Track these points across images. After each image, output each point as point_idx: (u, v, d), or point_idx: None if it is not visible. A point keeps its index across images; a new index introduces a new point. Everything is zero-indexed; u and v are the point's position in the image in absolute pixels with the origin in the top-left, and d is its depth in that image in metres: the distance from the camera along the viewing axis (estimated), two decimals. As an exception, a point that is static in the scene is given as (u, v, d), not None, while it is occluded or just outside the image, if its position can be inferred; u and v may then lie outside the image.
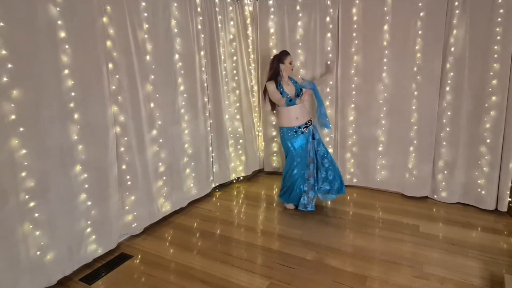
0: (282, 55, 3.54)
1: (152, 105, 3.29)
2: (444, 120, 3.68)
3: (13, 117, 2.24)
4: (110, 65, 2.86)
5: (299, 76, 3.91)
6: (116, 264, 2.88)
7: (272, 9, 4.36)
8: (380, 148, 4.11)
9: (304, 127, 3.54)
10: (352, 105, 4.15)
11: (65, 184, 2.59)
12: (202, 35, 3.81)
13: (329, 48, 4.14)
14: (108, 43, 2.83)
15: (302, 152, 3.57)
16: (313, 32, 4.18)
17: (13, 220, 2.28)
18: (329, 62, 4.11)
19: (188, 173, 3.84)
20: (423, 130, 3.79)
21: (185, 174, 3.78)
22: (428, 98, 3.69)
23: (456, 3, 3.41)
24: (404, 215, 3.59)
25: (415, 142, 3.87)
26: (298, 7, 4.20)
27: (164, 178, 3.50)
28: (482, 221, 3.45)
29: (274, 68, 3.53)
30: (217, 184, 4.33)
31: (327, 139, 4.37)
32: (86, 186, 2.73)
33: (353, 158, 4.28)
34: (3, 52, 2.16)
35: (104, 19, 2.77)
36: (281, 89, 3.49)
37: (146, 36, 3.17)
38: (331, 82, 4.20)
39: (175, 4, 3.45)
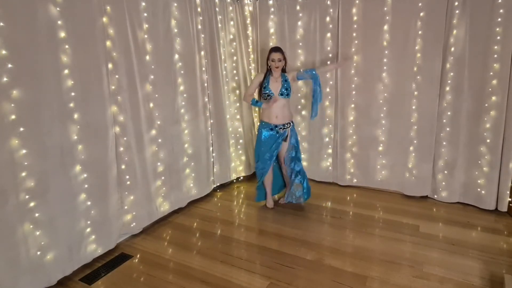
0: (269, 52, 3.54)
1: (151, 105, 3.29)
2: (444, 120, 3.69)
3: (13, 117, 2.24)
4: (110, 65, 2.86)
5: (295, 72, 3.66)
6: (116, 264, 2.88)
7: (272, 9, 4.36)
8: (380, 148, 4.11)
9: (280, 128, 3.55)
10: (352, 105, 4.14)
11: (65, 184, 2.59)
12: (202, 35, 3.81)
13: (329, 48, 4.13)
14: (108, 43, 2.83)
15: (267, 146, 3.60)
16: (313, 32, 4.18)
17: (13, 220, 2.28)
18: (344, 59, 3.93)
19: (188, 173, 3.84)
20: (423, 130, 3.79)
21: (184, 174, 3.78)
22: (428, 98, 3.69)
23: (456, 3, 3.41)
24: (404, 215, 3.59)
25: (415, 142, 3.86)
26: (298, 7, 4.20)
27: (163, 178, 3.50)
28: (482, 221, 3.45)
29: (266, 65, 3.59)
30: (217, 184, 4.34)
31: (327, 139, 4.37)
32: (86, 186, 2.74)
33: (353, 158, 4.28)
34: (3, 52, 2.16)
35: (104, 19, 2.77)
36: (265, 83, 3.50)
37: (146, 36, 3.17)
38: (331, 82, 4.20)
39: (175, 4, 3.45)
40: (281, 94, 3.49)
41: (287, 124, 3.59)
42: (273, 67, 3.48)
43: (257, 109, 4.75)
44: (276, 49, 3.49)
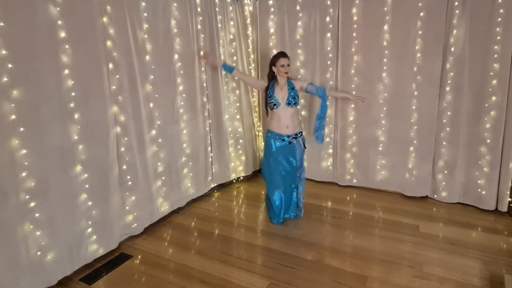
0: (275, 57, 3.31)
1: (151, 105, 3.29)
2: (444, 120, 3.69)
3: (13, 117, 2.24)
4: (111, 65, 2.86)
5: (305, 83, 3.44)
6: (116, 264, 2.89)
7: (272, 9, 4.36)
8: (380, 148, 4.11)
9: (293, 138, 3.35)
10: (352, 105, 4.14)
11: (66, 184, 2.59)
12: (202, 35, 3.81)
13: (329, 48, 4.14)
14: (108, 43, 2.83)
15: (281, 155, 3.37)
16: (313, 32, 4.18)
17: (13, 220, 2.28)
18: (355, 98, 3.58)
19: (186, 173, 3.84)
20: (423, 130, 3.79)
21: (183, 174, 3.78)
22: (428, 98, 3.69)
23: (456, 3, 3.41)
24: (404, 215, 3.59)
25: (415, 142, 3.87)
26: (298, 7, 4.20)
27: (163, 178, 3.50)
28: (482, 221, 3.45)
29: (269, 71, 3.38)
30: (216, 184, 4.33)
31: (327, 139, 4.37)
32: (87, 186, 2.73)
33: (353, 158, 4.28)
34: (3, 52, 2.16)
35: (104, 19, 2.77)
36: (270, 92, 3.29)
37: (146, 36, 3.17)
38: (331, 82, 4.20)
39: (175, 4, 3.45)
40: (288, 104, 3.27)
41: (298, 133, 3.38)
42: (281, 73, 3.25)
43: (257, 109, 4.75)
44: (285, 54, 3.28)
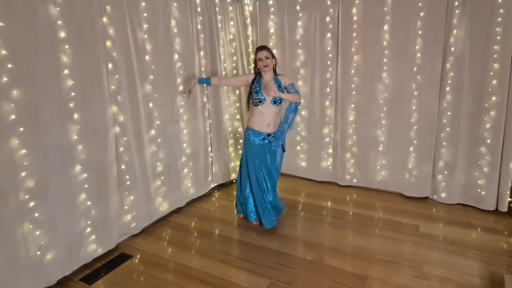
0: (255, 53, 3.24)
1: (151, 105, 3.29)
2: (444, 120, 3.68)
3: (13, 117, 2.24)
4: (110, 65, 2.86)
5: (288, 81, 3.29)
6: (115, 264, 2.89)
7: (272, 9, 4.36)
8: (380, 148, 4.11)
9: (272, 137, 3.27)
10: (352, 105, 4.14)
11: (65, 184, 2.59)
12: (202, 35, 3.81)
13: (329, 48, 4.13)
14: (108, 43, 2.83)
15: (260, 153, 3.29)
16: (313, 32, 4.18)
17: (13, 220, 2.28)
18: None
19: (186, 173, 3.84)
20: (423, 130, 3.79)
21: (183, 174, 3.79)
22: (428, 98, 3.69)
23: (456, 3, 3.41)
24: (404, 215, 3.59)
25: (415, 142, 3.86)
26: (298, 7, 4.20)
27: (162, 178, 3.50)
28: (482, 221, 3.45)
29: (254, 65, 3.31)
30: (216, 184, 4.33)
31: (327, 139, 4.37)
32: (86, 186, 2.73)
33: (353, 158, 4.28)
34: (3, 52, 2.16)
35: (104, 19, 2.77)
36: (257, 88, 3.16)
37: (145, 36, 3.17)
38: (331, 82, 4.20)
39: (175, 4, 3.45)
40: (274, 102, 3.17)
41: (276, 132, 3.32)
42: (261, 68, 3.17)
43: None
44: (261, 48, 3.20)
